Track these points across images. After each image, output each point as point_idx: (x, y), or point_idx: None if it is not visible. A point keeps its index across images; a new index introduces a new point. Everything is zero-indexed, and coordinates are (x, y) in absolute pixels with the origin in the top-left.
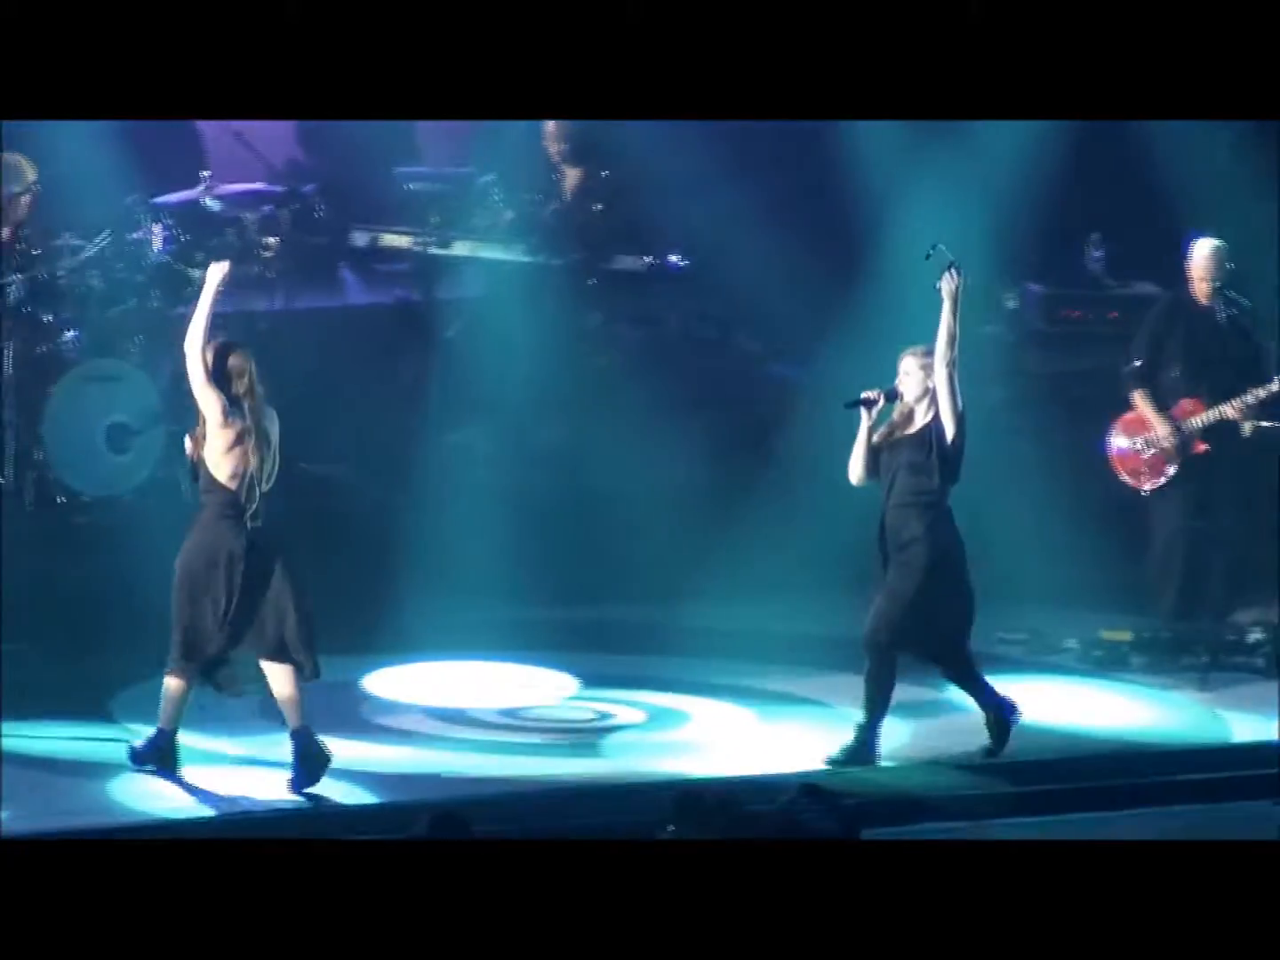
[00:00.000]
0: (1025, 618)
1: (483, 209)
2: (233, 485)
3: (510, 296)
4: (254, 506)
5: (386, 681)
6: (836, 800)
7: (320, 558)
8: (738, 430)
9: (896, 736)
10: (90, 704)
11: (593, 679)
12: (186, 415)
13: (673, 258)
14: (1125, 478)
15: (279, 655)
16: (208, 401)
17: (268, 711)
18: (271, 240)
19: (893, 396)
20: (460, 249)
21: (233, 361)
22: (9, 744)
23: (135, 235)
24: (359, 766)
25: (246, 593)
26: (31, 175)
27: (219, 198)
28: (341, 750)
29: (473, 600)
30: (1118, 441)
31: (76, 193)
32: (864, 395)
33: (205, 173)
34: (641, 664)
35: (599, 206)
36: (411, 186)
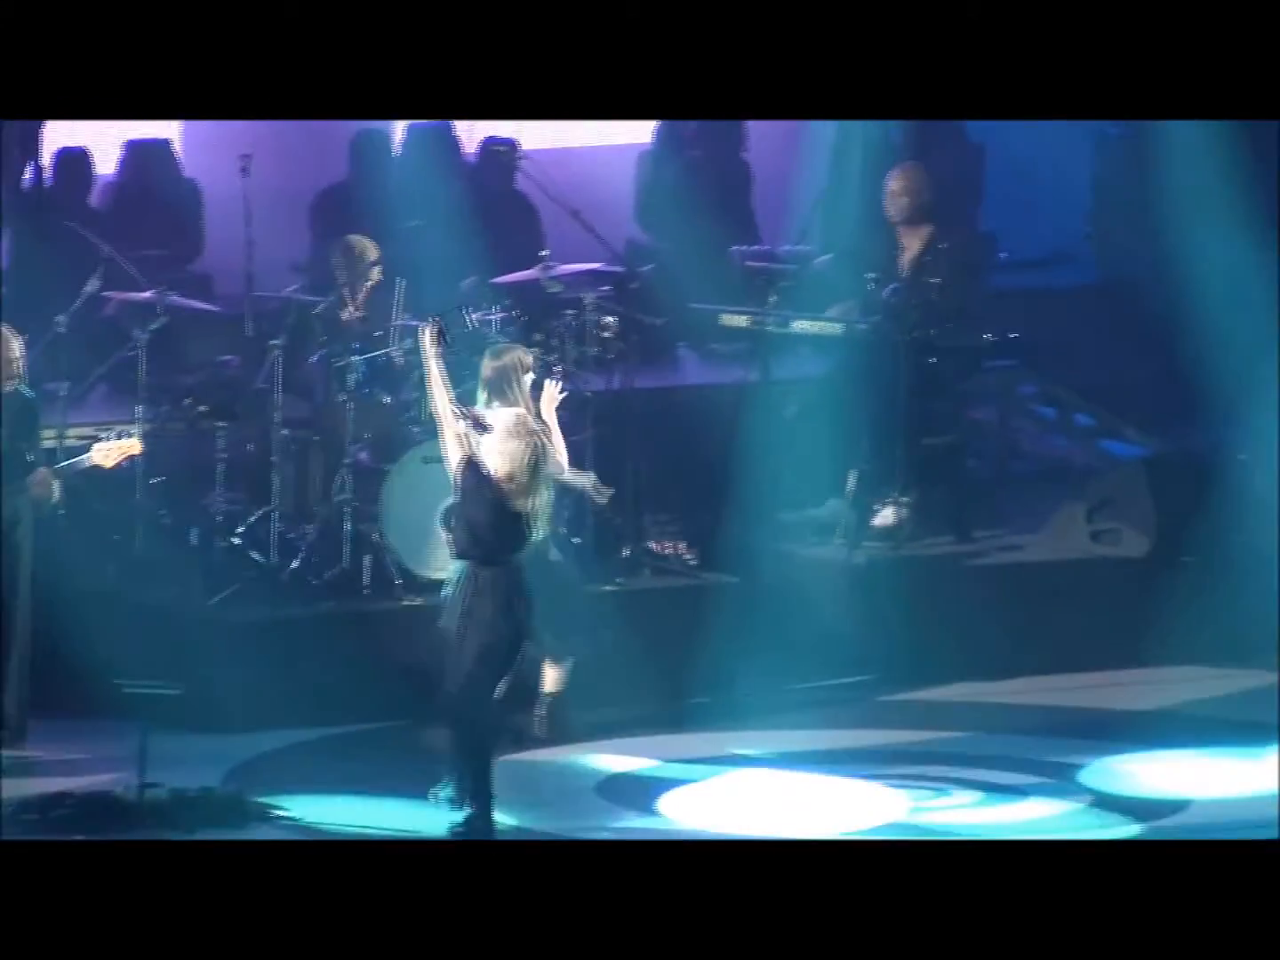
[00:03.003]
0: None
1: (820, 287)
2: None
3: (850, 375)
4: None
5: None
6: None
7: (655, 622)
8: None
9: None
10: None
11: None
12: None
13: (1012, 335)
14: None
15: None
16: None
17: None
18: (610, 320)
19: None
20: (799, 327)
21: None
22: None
23: (474, 316)
24: None
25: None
26: (374, 256)
27: (557, 278)
28: None
29: (794, 667)
30: None
31: (414, 274)
32: None
33: (544, 253)
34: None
35: (937, 281)
36: (749, 264)
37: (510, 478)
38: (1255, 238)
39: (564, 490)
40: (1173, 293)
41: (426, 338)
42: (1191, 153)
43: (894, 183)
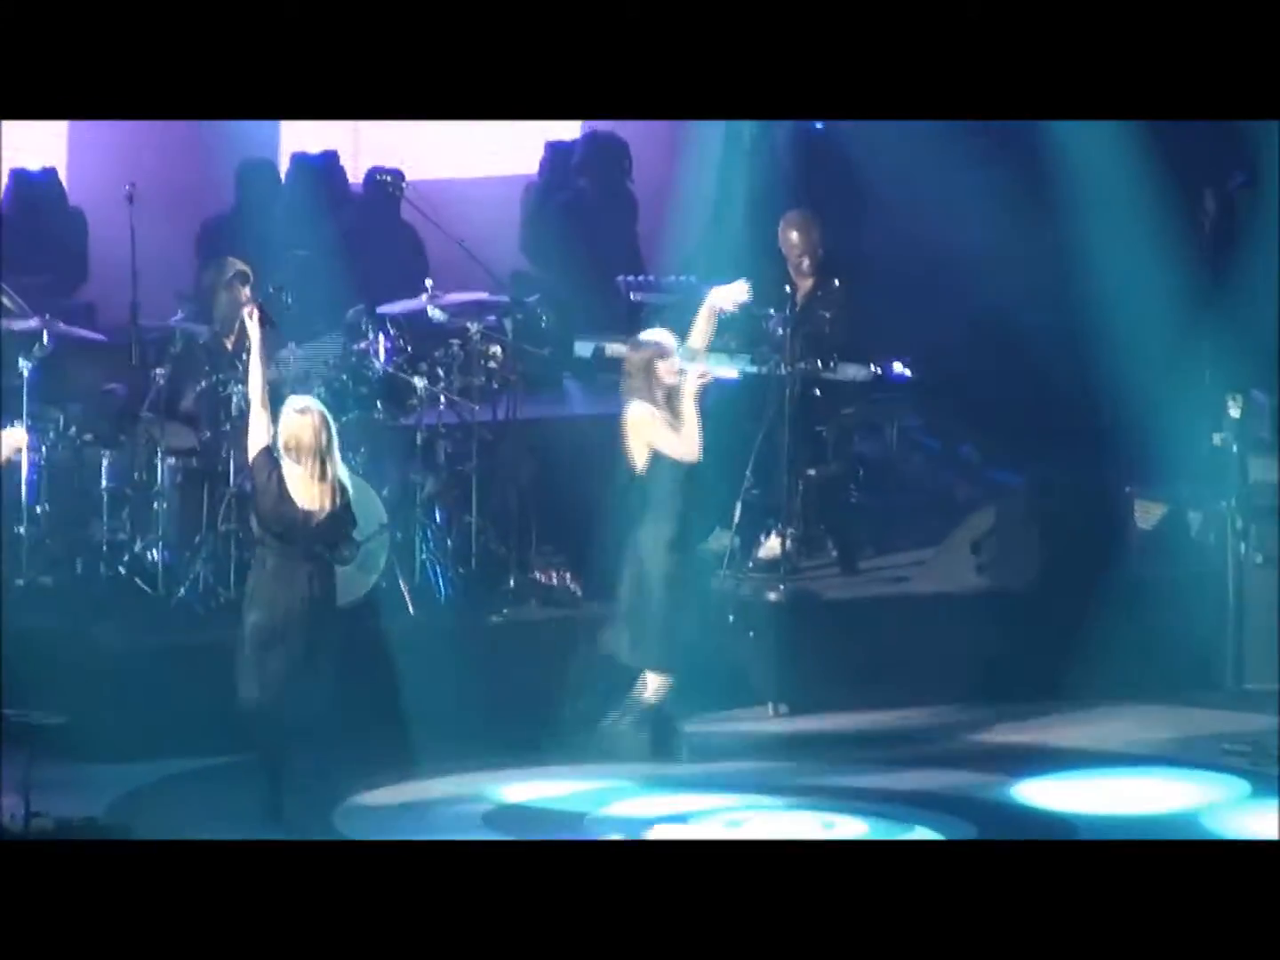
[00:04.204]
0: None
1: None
2: None
3: (735, 407)
4: None
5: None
6: None
7: (538, 669)
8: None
9: None
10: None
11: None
12: (411, 525)
13: (897, 366)
14: None
15: None
16: None
17: None
18: (495, 350)
19: None
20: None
21: None
22: None
23: (359, 346)
24: None
25: None
26: (241, 268)
27: (443, 307)
28: None
29: (679, 700)
30: None
31: (300, 305)
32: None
33: (429, 282)
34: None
35: (828, 315)
36: (635, 296)
37: (299, 470)
38: (1158, 259)
39: (451, 522)
40: (1066, 320)
41: (251, 321)
42: (1091, 167)
43: (791, 234)
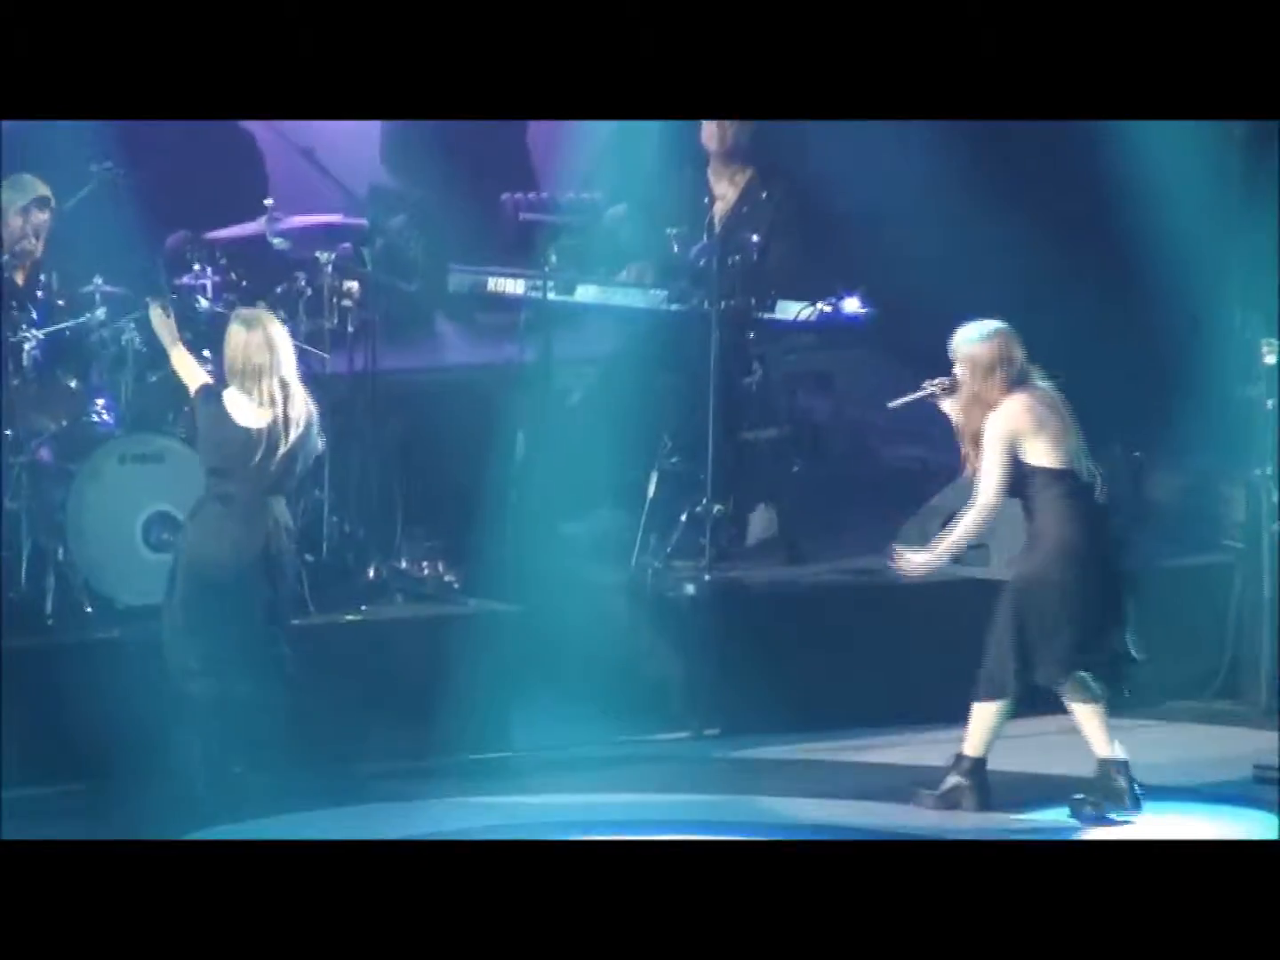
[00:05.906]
0: None
1: (612, 246)
2: None
3: (647, 353)
4: None
5: None
6: None
7: (410, 661)
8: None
9: None
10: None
11: None
12: None
13: (850, 304)
14: None
15: None
16: None
17: None
18: (351, 286)
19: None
20: (585, 295)
21: None
22: None
23: (182, 281)
24: None
25: None
26: (43, 190)
27: (285, 233)
28: None
29: (582, 720)
30: None
31: (109, 230)
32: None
33: (269, 202)
34: None
35: (755, 238)
36: (524, 217)
37: (250, 398)
38: (1173, 175)
39: (297, 498)
40: (1058, 248)
41: (156, 318)
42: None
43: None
